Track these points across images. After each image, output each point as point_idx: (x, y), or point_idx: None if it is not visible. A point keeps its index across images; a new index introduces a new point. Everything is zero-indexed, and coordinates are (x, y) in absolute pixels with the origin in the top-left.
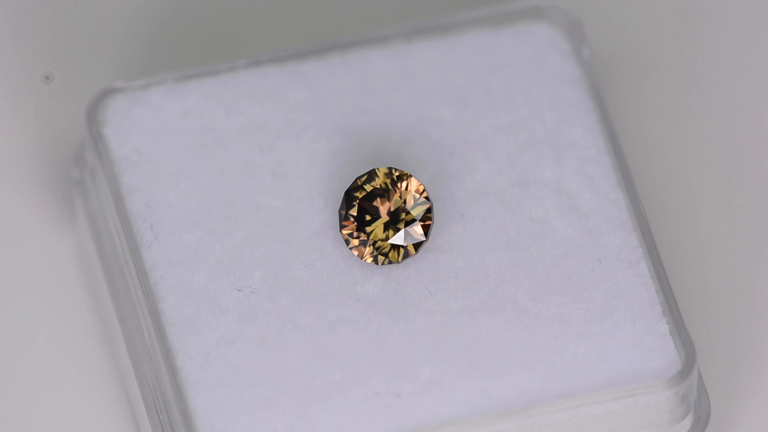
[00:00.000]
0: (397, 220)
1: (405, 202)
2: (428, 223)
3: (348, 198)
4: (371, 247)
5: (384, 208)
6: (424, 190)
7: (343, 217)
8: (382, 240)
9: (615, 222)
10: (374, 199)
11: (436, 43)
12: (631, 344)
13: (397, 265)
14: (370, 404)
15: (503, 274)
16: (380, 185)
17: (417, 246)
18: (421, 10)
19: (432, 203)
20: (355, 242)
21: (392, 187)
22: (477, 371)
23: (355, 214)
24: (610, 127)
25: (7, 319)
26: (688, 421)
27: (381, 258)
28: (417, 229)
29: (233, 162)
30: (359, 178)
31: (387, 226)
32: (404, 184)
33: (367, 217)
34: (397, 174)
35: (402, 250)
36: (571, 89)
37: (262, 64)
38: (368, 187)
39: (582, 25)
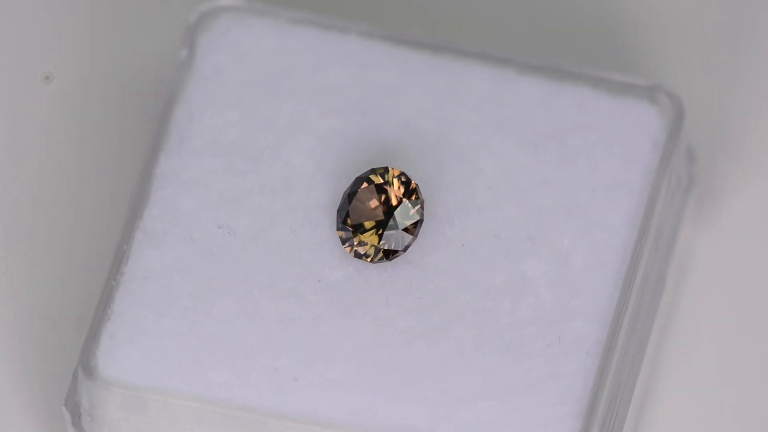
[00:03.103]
0: (387, 223)
1: (398, 208)
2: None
3: (358, 180)
4: (354, 238)
5: (381, 206)
6: (422, 206)
7: (344, 200)
8: (365, 235)
9: (597, 313)
10: (376, 194)
11: (543, 82)
12: (537, 426)
13: (374, 265)
14: (264, 376)
15: (464, 314)
16: (384, 182)
17: (391, 254)
18: (548, 51)
19: (422, 219)
20: (343, 228)
21: (399, 189)
22: (379, 389)
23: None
24: (651, 229)
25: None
26: None
27: (360, 253)
28: (399, 237)
29: (290, 113)
30: (375, 168)
31: (378, 226)
32: (407, 191)
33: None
34: (404, 179)
35: (377, 253)
36: (639, 177)
37: (374, 37)
38: (374, 178)
39: (683, 121)
